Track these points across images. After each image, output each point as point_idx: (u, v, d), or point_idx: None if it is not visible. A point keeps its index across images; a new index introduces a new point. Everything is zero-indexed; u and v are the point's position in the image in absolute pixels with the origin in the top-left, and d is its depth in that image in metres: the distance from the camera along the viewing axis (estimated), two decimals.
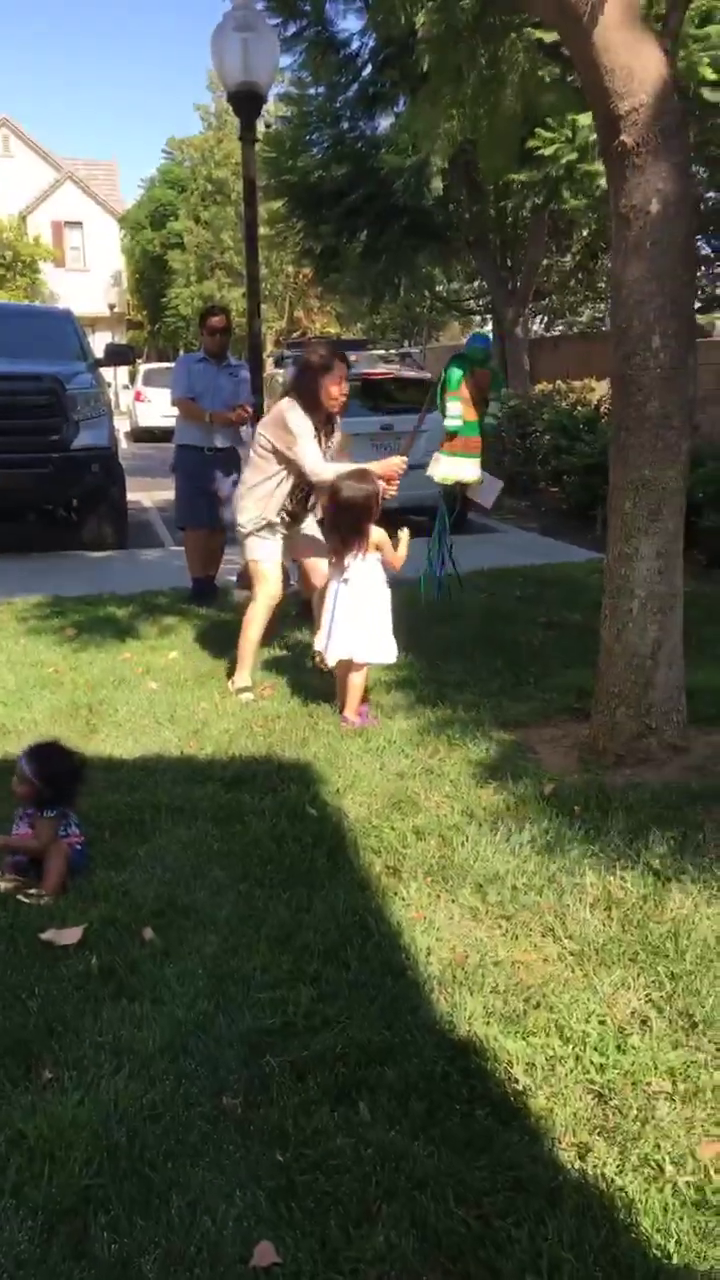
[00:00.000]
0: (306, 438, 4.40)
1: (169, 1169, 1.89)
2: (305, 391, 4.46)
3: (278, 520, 4.65)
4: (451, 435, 5.62)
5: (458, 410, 5.56)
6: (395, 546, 4.31)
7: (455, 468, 5.65)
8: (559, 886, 2.90)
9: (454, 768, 3.76)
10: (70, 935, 2.61)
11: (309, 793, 3.55)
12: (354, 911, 2.75)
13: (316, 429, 4.46)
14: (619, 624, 3.75)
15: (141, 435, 21.55)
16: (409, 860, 3.06)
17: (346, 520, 4.20)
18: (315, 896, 2.84)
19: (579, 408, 11.30)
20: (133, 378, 25.67)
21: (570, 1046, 2.23)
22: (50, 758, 3.04)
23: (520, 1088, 2.12)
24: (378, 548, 4.27)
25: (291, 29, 11.48)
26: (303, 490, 4.66)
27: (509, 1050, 2.21)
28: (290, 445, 4.41)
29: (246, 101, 6.80)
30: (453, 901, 2.84)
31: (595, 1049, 2.22)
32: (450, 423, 5.58)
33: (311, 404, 4.44)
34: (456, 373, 5.55)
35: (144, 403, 21.79)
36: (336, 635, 4.23)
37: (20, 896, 2.84)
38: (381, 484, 4.28)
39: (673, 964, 2.53)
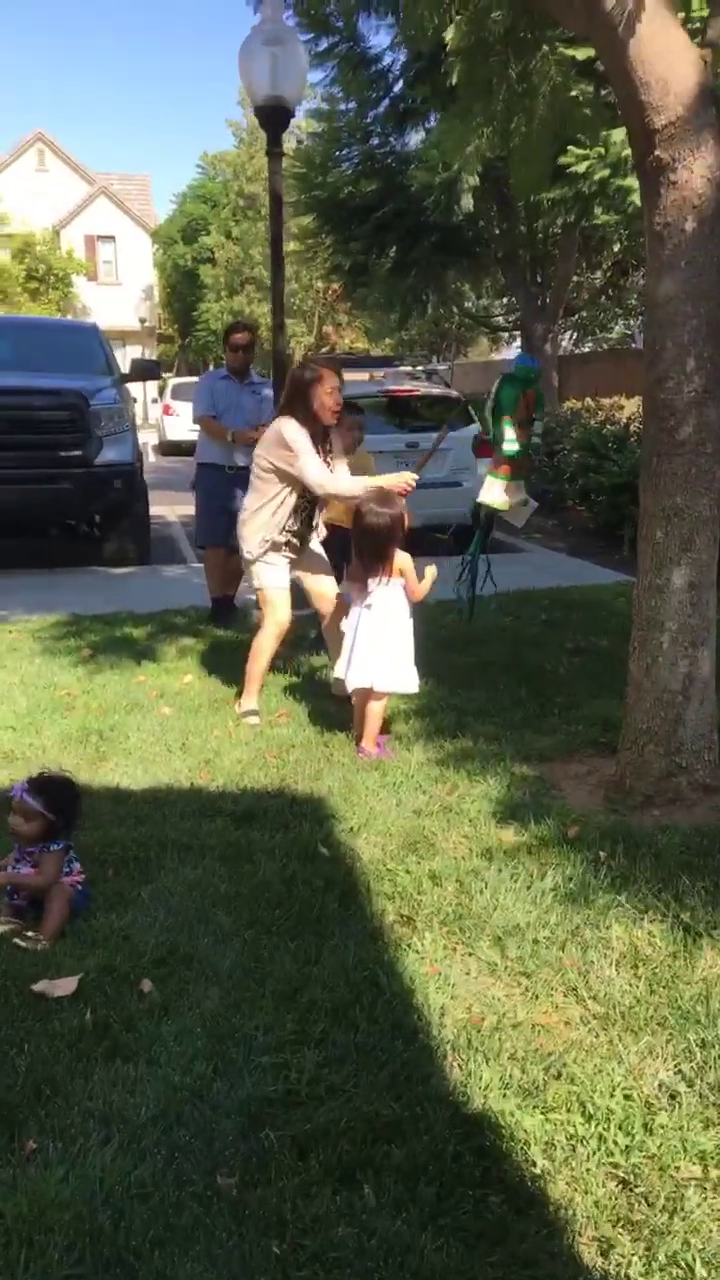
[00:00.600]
0: (307, 451, 4.33)
1: (156, 1259, 1.75)
2: (299, 405, 4.41)
3: (283, 541, 4.55)
4: (508, 460, 5.44)
5: (513, 434, 5.39)
6: (421, 578, 4.18)
7: (507, 492, 5.49)
8: (583, 940, 2.73)
9: (473, 805, 3.61)
10: (64, 986, 2.47)
11: (321, 830, 3.40)
12: (364, 965, 2.60)
13: (315, 442, 4.39)
14: (648, 658, 3.58)
15: (170, 449, 21.72)
16: (424, 908, 2.91)
17: (370, 545, 4.08)
18: (324, 947, 2.69)
19: (608, 426, 11.12)
20: (161, 391, 25.83)
21: (593, 1124, 2.07)
22: (55, 787, 2.93)
23: (538, 1171, 1.96)
24: (401, 573, 4.14)
25: (323, 44, 11.47)
26: (305, 510, 4.57)
27: (526, 1128, 2.05)
28: (291, 461, 4.34)
29: (273, 115, 6.70)
30: (469, 955, 2.69)
31: (620, 1128, 2.06)
32: (509, 447, 5.40)
33: (307, 417, 4.39)
34: (510, 394, 5.37)
35: (173, 416, 21.96)
36: (357, 662, 4.10)
37: (17, 940, 2.71)
38: (402, 502, 4.16)
39: (704, 1030, 2.36)
